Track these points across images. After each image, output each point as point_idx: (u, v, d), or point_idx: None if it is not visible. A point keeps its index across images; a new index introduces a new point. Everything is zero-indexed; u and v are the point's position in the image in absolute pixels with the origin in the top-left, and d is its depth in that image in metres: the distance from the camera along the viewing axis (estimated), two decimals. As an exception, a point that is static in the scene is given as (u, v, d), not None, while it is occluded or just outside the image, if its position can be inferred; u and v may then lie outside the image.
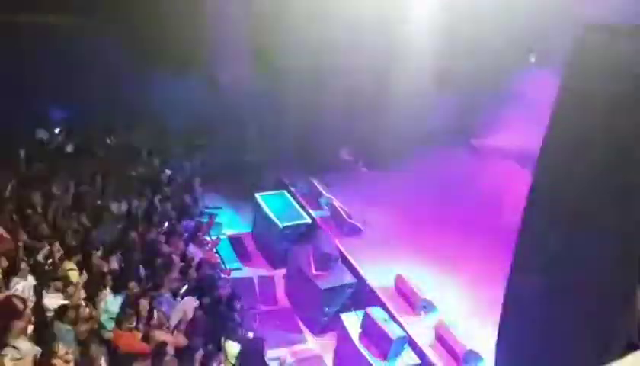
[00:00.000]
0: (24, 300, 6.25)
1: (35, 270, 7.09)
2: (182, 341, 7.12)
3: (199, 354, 6.86)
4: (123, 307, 7.21)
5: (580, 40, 5.54)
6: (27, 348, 5.77)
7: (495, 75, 14.00)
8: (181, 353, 6.92)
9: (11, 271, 6.82)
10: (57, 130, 10.75)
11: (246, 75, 11.48)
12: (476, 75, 14.24)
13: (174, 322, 7.44)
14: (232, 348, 7.34)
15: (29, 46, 10.05)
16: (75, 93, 10.51)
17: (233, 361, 7.21)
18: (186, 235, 9.39)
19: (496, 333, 7.36)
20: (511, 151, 14.07)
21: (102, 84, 10.82)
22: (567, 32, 6.23)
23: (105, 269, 7.62)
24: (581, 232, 5.27)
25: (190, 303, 7.65)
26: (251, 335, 7.87)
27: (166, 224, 9.33)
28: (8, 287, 6.63)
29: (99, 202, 9.16)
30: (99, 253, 7.90)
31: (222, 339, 7.36)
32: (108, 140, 10.99)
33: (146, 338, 6.93)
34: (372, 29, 11.86)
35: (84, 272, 7.48)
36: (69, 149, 10.46)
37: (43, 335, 6.08)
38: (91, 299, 7.11)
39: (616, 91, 5.10)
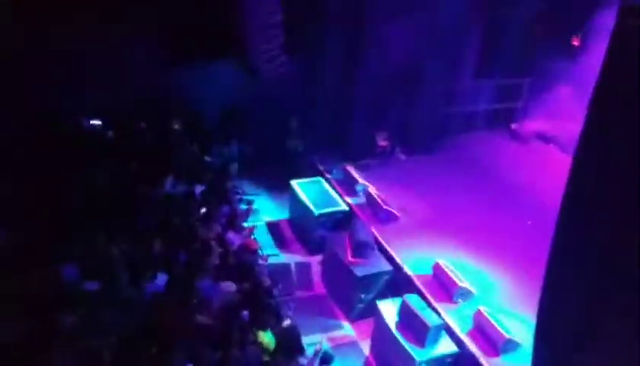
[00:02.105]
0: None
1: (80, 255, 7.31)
2: (221, 325, 7.26)
3: (236, 339, 6.97)
4: (166, 290, 7.38)
5: (621, 22, 5.34)
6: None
7: (536, 57, 13.67)
8: (220, 337, 7.06)
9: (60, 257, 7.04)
10: (97, 120, 10.96)
11: (283, 62, 11.47)
12: (516, 58, 13.95)
13: (214, 306, 7.57)
14: (266, 338, 7.42)
15: (68, 36, 10.25)
16: (113, 81, 10.69)
17: (270, 350, 7.29)
18: (224, 221, 9.51)
19: (535, 322, 7.26)
20: (552, 135, 13.77)
21: (140, 72, 10.97)
22: (610, 14, 6.03)
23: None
24: (624, 221, 5.12)
25: (229, 288, 7.76)
26: (287, 322, 7.93)
27: (203, 210, 9.46)
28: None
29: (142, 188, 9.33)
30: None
31: (254, 329, 7.45)
32: (145, 127, 11.14)
33: (188, 321, 7.09)
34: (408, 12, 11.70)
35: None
36: (109, 135, 10.68)
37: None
38: (135, 281, 7.31)
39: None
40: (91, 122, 10.86)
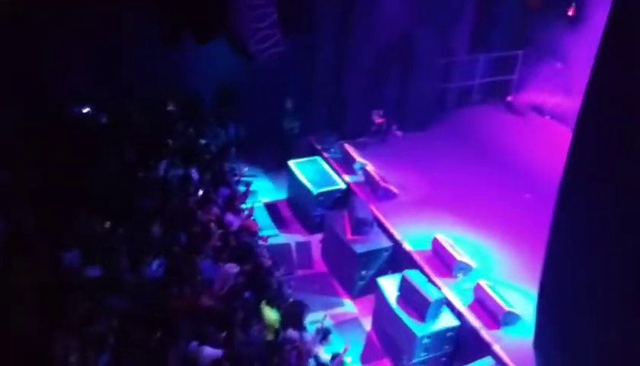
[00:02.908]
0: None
1: (80, 241, 7.31)
2: (224, 306, 7.31)
3: (239, 320, 7.02)
4: (167, 273, 7.42)
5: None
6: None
7: (531, 29, 13.58)
8: (223, 318, 7.12)
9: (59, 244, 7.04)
10: (89, 106, 10.88)
11: (277, 41, 11.35)
12: (511, 30, 13.87)
13: (217, 287, 7.62)
14: (271, 314, 7.49)
15: (60, 19, 10.12)
16: (106, 65, 10.58)
17: (276, 326, 7.36)
18: (222, 203, 9.51)
19: (536, 294, 7.31)
20: (548, 107, 13.74)
21: (133, 55, 10.85)
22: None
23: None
24: (626, 196, 5.12)
25: (231, 269, 7.81)
26: (291, 300, 8.01)
27: (201, 192, 9.45)
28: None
29: (140, 173, 9.31)
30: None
31: (262, 305, 7.53)
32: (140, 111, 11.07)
33: (190, 303, 7.13)
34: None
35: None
36: (103, 120, 10.62)
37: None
38: (136, 265, 7.33)
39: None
40: (84, 109, 10.78)
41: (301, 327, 7.61)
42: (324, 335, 7.48)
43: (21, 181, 8.13)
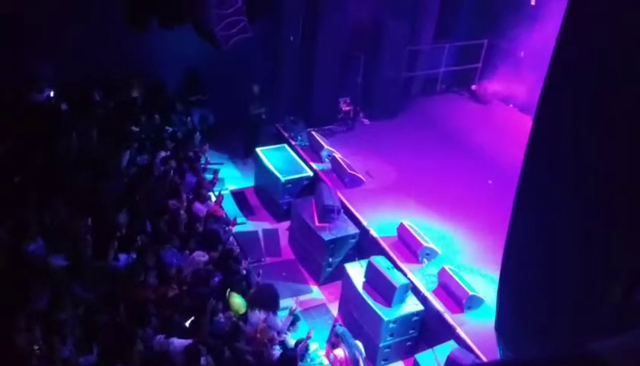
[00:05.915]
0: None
1: (44, 229, 7.18)
2: (190, 295, 7.28)
3: (209, 307, 7.01)
4: (133, 262, 7.35)
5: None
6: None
7: (495, 19, 13.78)
8: (191, 306, 7.09)
9: (22, 233, 6.90)
10: (51, 92, 10.61)
11: (243, 27, 11.27)
12: (475, 20, 14.05)
13: (184, 274, 7.58)
14: (237, 300, 7.49)
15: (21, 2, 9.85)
16: (68, 49, 10.33)
17: (241, 312, 7.36)
18: (189, 191, 9.44)
19: (498, 279, 7.50)
20: (513, 96, 13.99)
21: (97, 39, 10.64)
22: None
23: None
24: (581, 180, 5.30)
25: (199, 257, 7.77)
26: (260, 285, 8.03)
27: (168, 180, 9.36)
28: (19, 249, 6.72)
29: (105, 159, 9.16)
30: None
31: (227, 293, 7.51)
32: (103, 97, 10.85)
33: (157, 292, 7.08)
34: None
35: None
36: (64, 107, 10.37)
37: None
38: (102, 255, 7.23)
39: (619, 37, 5.03)
40: (45, 94, 10.50)
41: (275, 311, 7.61)
42: (292, 321, 7.52)
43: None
